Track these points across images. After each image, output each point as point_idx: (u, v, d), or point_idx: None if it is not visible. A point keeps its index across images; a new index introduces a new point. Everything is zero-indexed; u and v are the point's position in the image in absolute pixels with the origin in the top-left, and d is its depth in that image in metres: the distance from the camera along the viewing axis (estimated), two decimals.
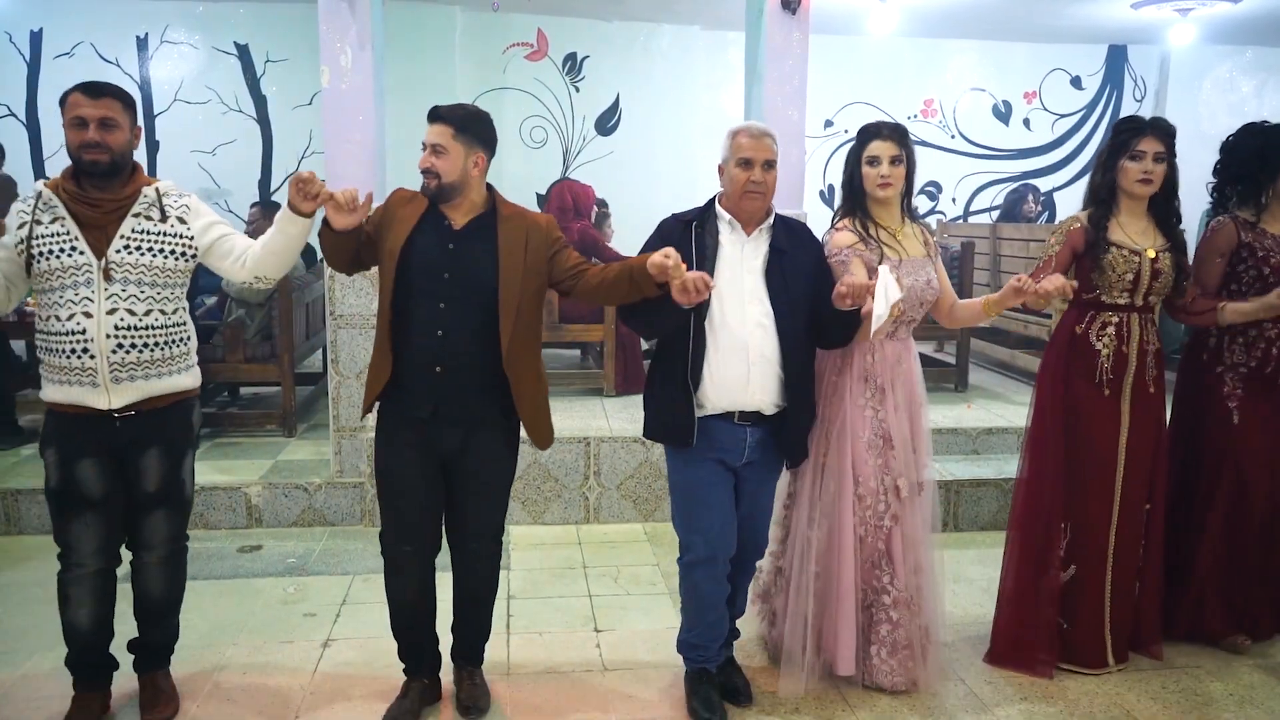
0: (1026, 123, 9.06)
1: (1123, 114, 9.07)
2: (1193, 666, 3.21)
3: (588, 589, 3.78)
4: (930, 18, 7.85)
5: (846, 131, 8.68)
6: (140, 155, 8.02)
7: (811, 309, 2.73)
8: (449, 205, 2.65)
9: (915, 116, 8.79)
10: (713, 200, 2.79)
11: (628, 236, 5.14)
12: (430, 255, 2.62)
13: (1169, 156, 2.97)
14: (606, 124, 8.30)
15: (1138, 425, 3.06)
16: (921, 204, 8.65)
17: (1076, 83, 9.08)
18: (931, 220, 8.44)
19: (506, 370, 2.65)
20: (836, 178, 8.24)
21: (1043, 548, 3.12)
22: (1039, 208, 7.91)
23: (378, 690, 3.01)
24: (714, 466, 2.76)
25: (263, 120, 7.81)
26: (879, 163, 2.86)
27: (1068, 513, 3.11)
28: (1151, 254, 2.98)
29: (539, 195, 7.86)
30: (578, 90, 8.22)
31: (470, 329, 2.62)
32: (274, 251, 2.70)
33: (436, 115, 2.62)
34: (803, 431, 2.84)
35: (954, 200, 8.94)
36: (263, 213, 6.68)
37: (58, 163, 7.44)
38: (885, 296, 2.53)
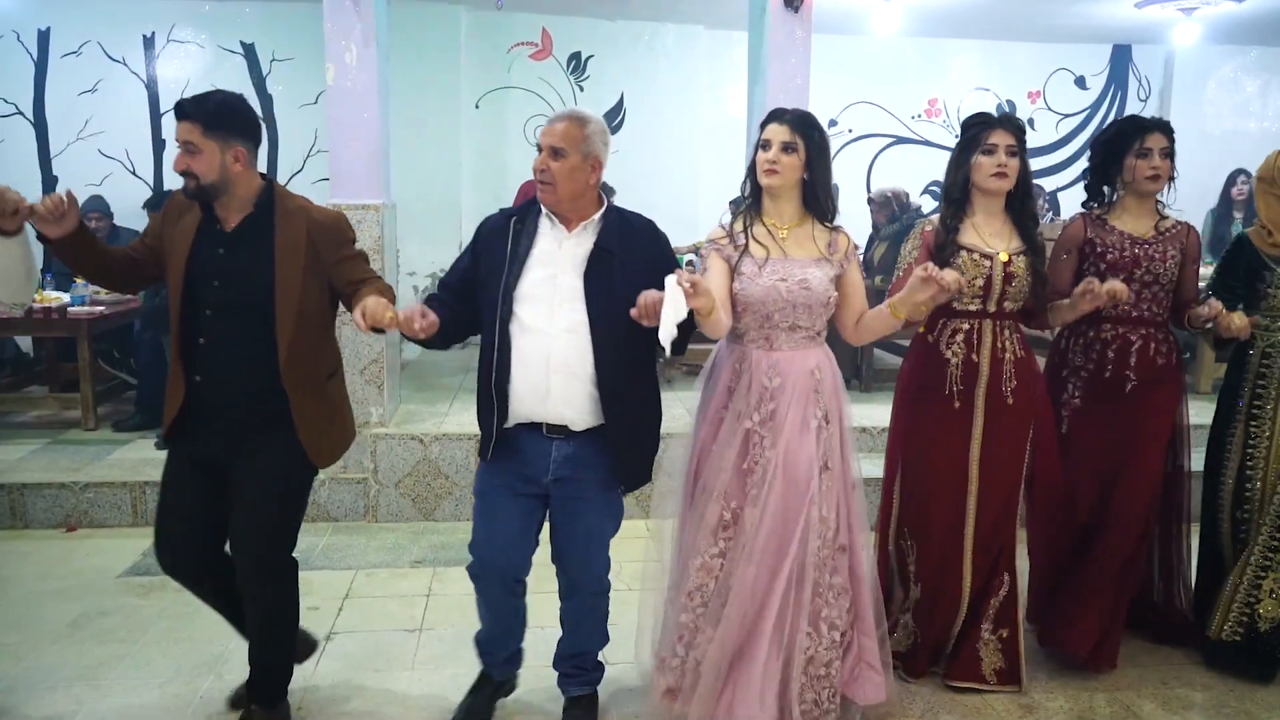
0: (1031, 122, 9.03)
1: (1127, 114, 9.19)
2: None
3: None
4: (934, 17, 7.85)
5: (850, 131, 8.69)
6: (147, 154, 8.04)
7: None
8: (218, 205, 2.46)
9: (919, 116, 8.79)
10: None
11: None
12: (200, 262, 2.44)
13: (1021, 151, 2.82)
14: (610, 123, 8.31)
15: (992, 439, 2.87)
16: (925, 204, 8.65)
17: (1081, 83, 9.07)
18: (935, 220, 8.44)
19: (285, 383, 2.45)
20: (840, 177, 8.28)
21: (897, 564, 3.02)
22: (1045, 206, 7.91)
23: (379, 682, 3.04)
24: (510, 480, 2.54)
25: (268, 119, 7.82)
26: (769, 147, 2.57)
27: (913, 529, 2.97)
28: (1004, 257, 2.82)
29: None
30: (582, 89, 8.23)
31: (237, 338, 2.45)
32: None
33: (182, 111, 2.39)
34: (628, 451, 2.53)
35: None
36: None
37: (63, 162, 7.48)
38: (673, 310, 2.23)
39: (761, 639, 2.56)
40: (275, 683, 2.70)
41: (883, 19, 7.53)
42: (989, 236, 2.86)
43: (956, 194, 2.88)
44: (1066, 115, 9.09)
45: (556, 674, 2.83)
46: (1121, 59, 9.07)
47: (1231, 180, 7.06)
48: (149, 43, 7.61)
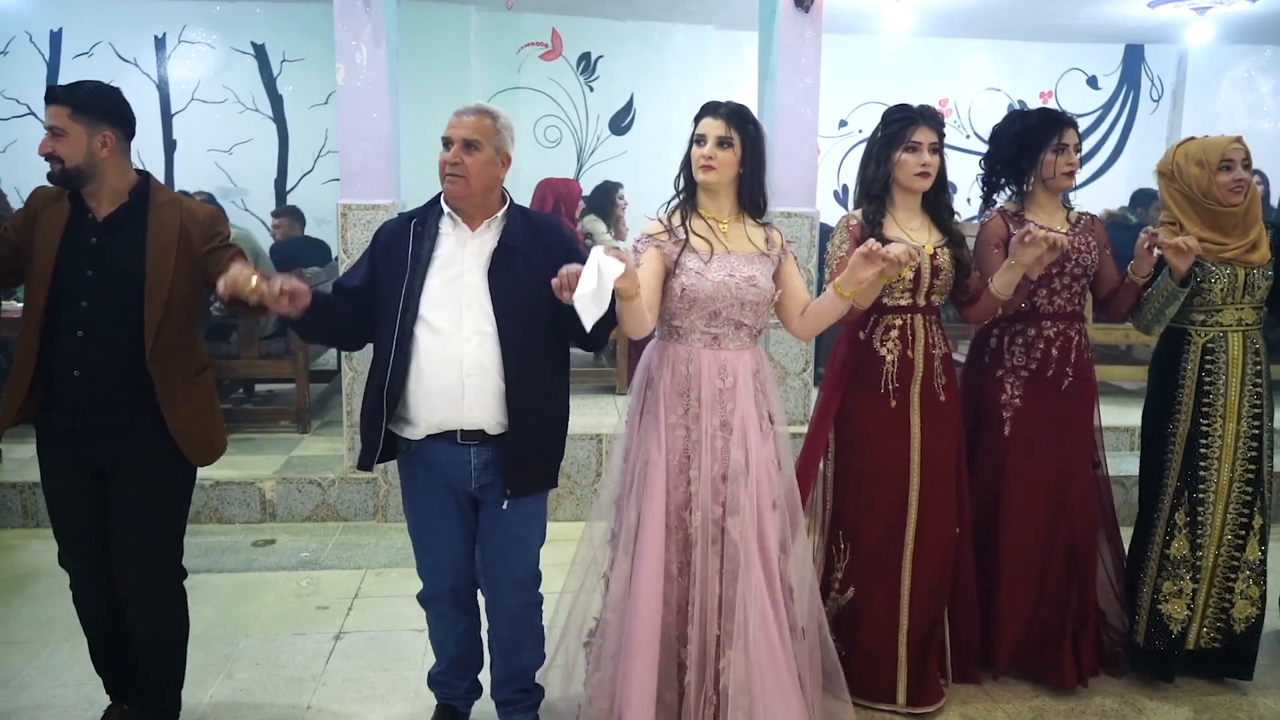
0: None
1: (1139, 115, 9.17)
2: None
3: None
4: (945, 17, 7.82)
5: (861, 131, 8.66)
6: (158, 154, 8.08)
7: (551, 314, 2.35)
8: (88, 194, 2.41)
9: None
10: (439, 194, 2.46)
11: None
12: (71, 251, 2.39)
13: (941, 147, 2.77)
14: (620, 123, 8.32)
15: (931, 437, 2.82)
16: None
17: (1093, 83, 9.03)
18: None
19: (150, 370, 2.39)
20: (851, 177, 8.23)
21: (820, 570, 2.89)
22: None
23: (388, 682, 3.04)
24: (437, 496, 2.46)
25: (279, 119, 7.86)
26: (704, 142, 2.48)
27: (847, 532, 2.87)
28: (930, 250, 2.77)
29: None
30: (592, 90, 8.23)
31: (114, 328, 2.39)
32: None
33: (52, 96, 2.38)
34: (530, 455, 2.44)
35: (969, 201, 8.87)
36: (290, 222, 6.72)
37: None
38: (594, 278, 2.12)
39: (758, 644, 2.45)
40: (166, 695, 2.65)
41: (894, 19, 7.50)
42: (911, 230, 2.81)
43: (877, 189, 2.82)
44: (1078, 116, 8.98)
45: (495, 705, 2.69)
46: (1134, 59, 9.03)
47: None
48: (160, 43, 7.65)
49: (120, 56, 7.60)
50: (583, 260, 2.26)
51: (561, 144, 8.23)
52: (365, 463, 2.47)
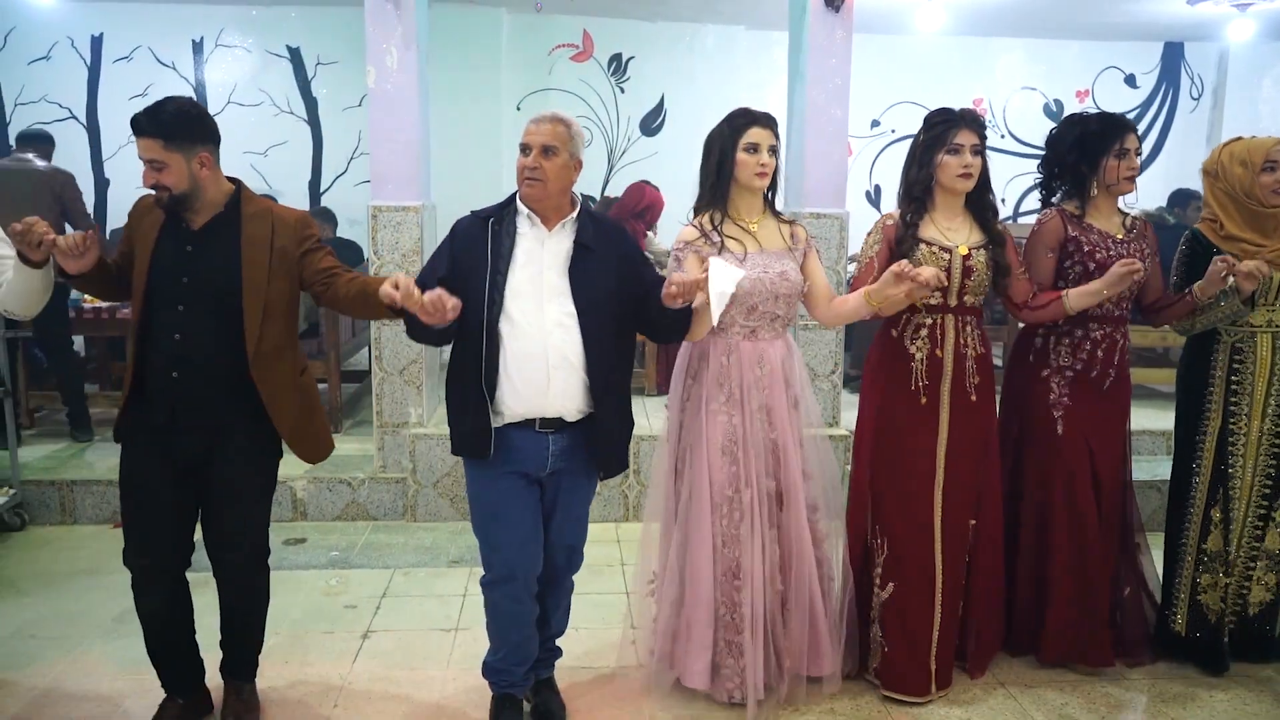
0: None
1: (1179, 114, 9.01)
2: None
3: (625, 586, 3.78)
4: (979, 16, 7.74)
5: (894, 131, 8.60)
6: None
7: (622, 309, 2.57)
8: (188, 208, 2.51)
9: None
10: (513, 195, 2.60)
11: (669, 239, 5.15)
12: (168, 260, 2.50)
13: (983, 149, 2.82)
14: (651, 124, 8.31)
15: (958, 435, 2.88)
16: None
17: (1131, 81, 8.89)
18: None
19: (254, 376, 2.51)
20: (883, 177, 8.25)
21: (861, 566, 2.99)
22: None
23: (414, 681, 3.06)
24: (513, 480, 2.58)
25: (313, 122, 7.94)
26: (758, 150, 2.71)
27: (882, 528, 2.94)
28: (964, 250, 2.82)
29: (584, 195, 7.90)
30: (623, 91, 8.24)
31: (210, 332, 2.50)
32: (14, 293, 2.59)
33: (139, 128, 2.43)
34: (614, 439, 2.63)
35: (1003, 201, 8.78)
36: (320, 224, 6.79)
37: (116, 165, 7.65)
38: (723, 282, 2.47)
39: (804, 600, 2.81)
40: (251, 659, 2.85)
41: (926, 17, 7.44)
42: (948, 231, 2.87)
43: (919, 191, 2.87)
44: None
45: None
46: (1173, 56, 8.87)
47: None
48: (198, 47, 7.76)
49: (159, 60, 7.72)
50: (643, 258, 2.71)
51: (592, 145, 8.24)
52: (480, 451, 2.54)
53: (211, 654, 2.82)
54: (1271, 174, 2.93)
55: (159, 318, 2.51)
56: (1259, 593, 3.14)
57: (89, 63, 7.67)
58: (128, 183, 7.47)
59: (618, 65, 8.21)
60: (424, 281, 2.59)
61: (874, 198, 8.59)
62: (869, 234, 2.97)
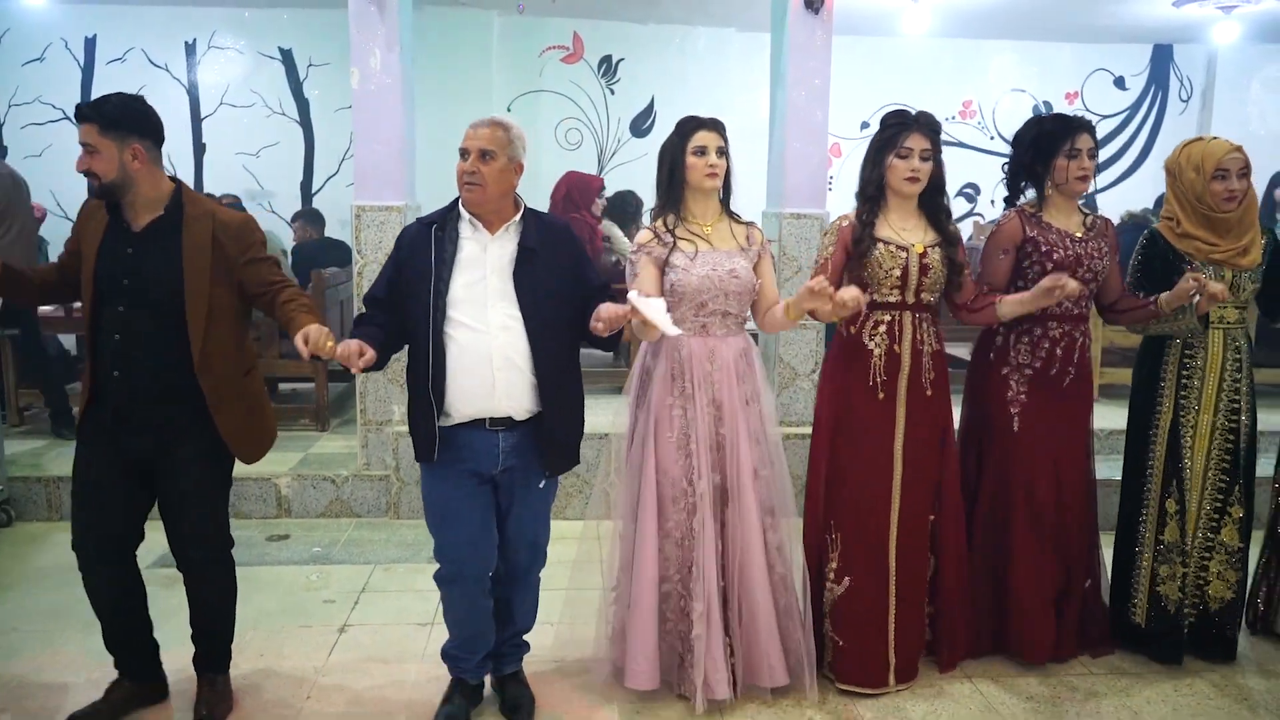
0: None
1: (1168, 116, 9.04)
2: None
3: (602, 582, 3.80)
4: (967, 18, 7.78)
5: None
6: (188, 157, 8.25)
7: (569, 310, 2.60)
8: (125, 204, 2.55)
9: (953, 118, 8.70)
10: (456, 200, 2.62)
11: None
12: (110, 261, 2.54)
13: (935, 154, 2.85)
14: (641, 126, 8.36)
15: (914, 430, 2.93)
16: (960, 206, 8.56)
17: (1120, 83, 8.93)
18: (968, 223, 8.35)
19: (199, 378, 2.54)
20: None
21: (818, 560, 3.01)
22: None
23: (388, 674, 3.09)
24: (463, 480, 2.62)
25: (305, 123, 7.99)
26: (705, 153, 2.78)
27: (838, 522, 2.97)
28: (919, 249, 2.87)
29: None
30: (613, 92, 8.29)
31: (151, 333, 2.53)
32: None
33: (81, 114, 2.49)
34: (562, 438, 2.67)
35: (992, 203, 8.82)
36: (305, 226, 6.85)
37: None
38: (653, 312, 2.45)
39: (748, 593, 2.82)
40: (222, 651, 2.89)
41: (912, 20, 7.48)
42: (903, 230, 2.91)
43: (872, 190, 2.91)
44: (1105, 116, 8.95)
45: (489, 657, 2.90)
46: (1162, 59, 8.91)
47: (1275, 182, 6.88)
48: (190, 49, 7.82)
49: (152, 62, 7.78)
50: (587, 260, 2.76)
51: (582, 146, 8.30)
52: (426, 454, 2.61)
53: (186, 648, 2.86)
54: (1223, 182, 2.95)
55: (103, 318, 2.55)
56: (1219, 588, 3.17)
57: (82, 64, 7.73)
58: None
59: (608, 67, 8.26)
60: (375, 292, 2.68)
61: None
62: (824, 234, 3.02)
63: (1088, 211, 3.14)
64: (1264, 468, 3.41)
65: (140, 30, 7.68)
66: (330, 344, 2.38)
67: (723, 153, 2.80)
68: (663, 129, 8.15)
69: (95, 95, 7.53)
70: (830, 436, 2.98)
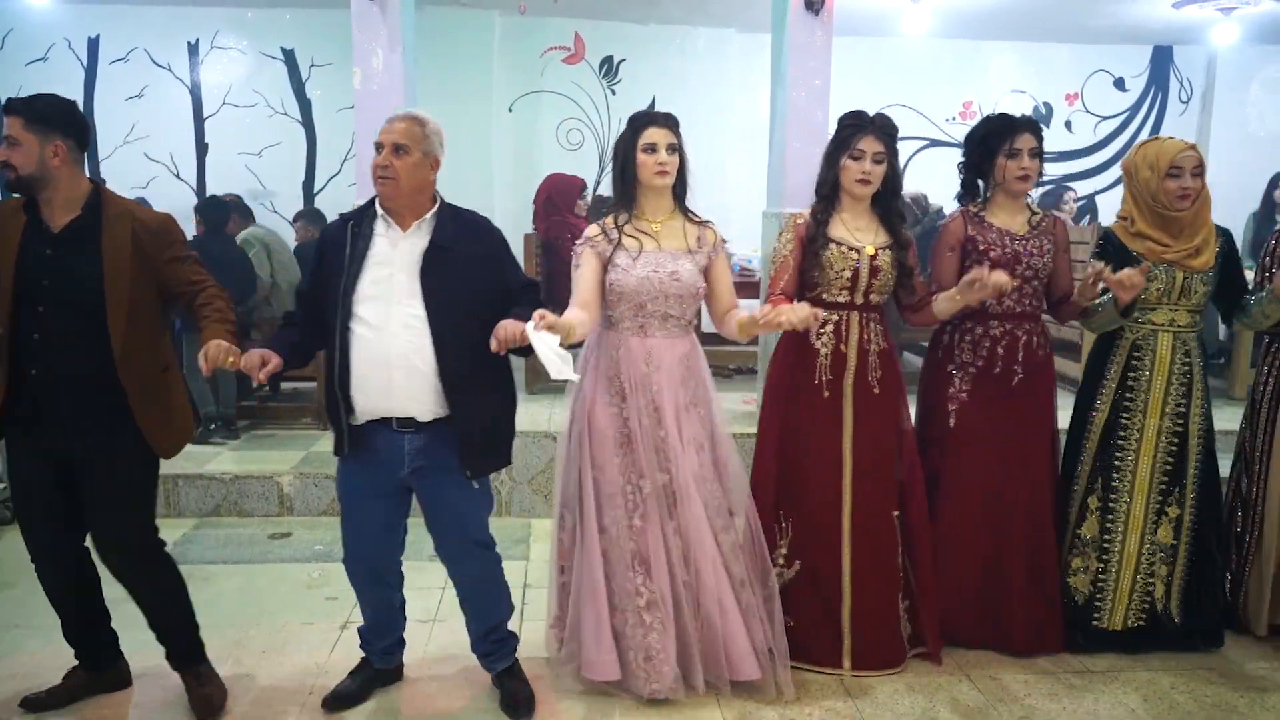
0: (1068, 125, 8.93)
1: (1168, 117, 9.05)
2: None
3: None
4: (967, 18, 7.79)
5: None
6: (190, 157, 8.25)
7: (485, 309, 2.52)
8: (43, 203, 2.57)
9: (954, 119, 8.70)
10: (374, 197, 2.62)
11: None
12: (29, 262, 2.54)
13: (889, 157, 2.88)
14: None
15: (863, 427, 2.97)
16: (953, 207, 8.58)
17: (1120, 84, 8.94)
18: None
19: (121, 378, 2.55)
20: None
21: (769, 549, 3.03)
22: (1075, 207, 7.80)
23: None
24: (367, 478, 2.65)
25: (307, 123, 8.00)
26: (655, 150, 2.77)
27: (788, 510, 3.02)
28: (871, 251, 2.91)
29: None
30: (614, 93, 8.30)
31: (69, 333, 2.54)
32: None
33: (9, 108, 2.54)
34: (477, 439, 2.63)
35: None
36: (306, 225, 6.86)
37: (111, 165, 7.74)
38: (545, 347, 2.37)
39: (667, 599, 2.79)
40: (189, 645, 2.88)
41: (912, 20, 7.49)
42: (856, 231, 2.95)
43: (827, 190, 2.95)
44: (1105, 118, 8.96)
45: (477, 658, 2.92)
46: (1162, 60, 8.92)
47: (1274, 183, 6.90)
48: (193, 49, 7.83)
49: (155, 62, 7.78)
50: (510, 258, 2.67)
51: (584, 147, 8.31)
52: (339, 449, 2.68)
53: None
54: (1176, 180, 2.96)
55: (22, 317, 2.56)
56: (1158, 587, 3.18)
57: (85, 64, 7.74)
58: (125, 184, 7.53)
59: (609, 67, 8.27)
60: (301, 287, 2.75)
61: None
62: (781, 233, 3.03)
63: (1037, 210, 3.16)
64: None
65: (143, 30, 7.69)
66: (231, 359, 2.44)
67: (674, 149, 2.78)
68: None
69: (99, 95, 7.66)
70: (779, 432, 3.02)
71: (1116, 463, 3.12)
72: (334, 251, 2.60)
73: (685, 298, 2.81)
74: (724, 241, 2.97)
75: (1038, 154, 3.04)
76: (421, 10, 5.39)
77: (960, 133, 8.64)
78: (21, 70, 7.57)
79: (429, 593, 3.73)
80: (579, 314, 2.72)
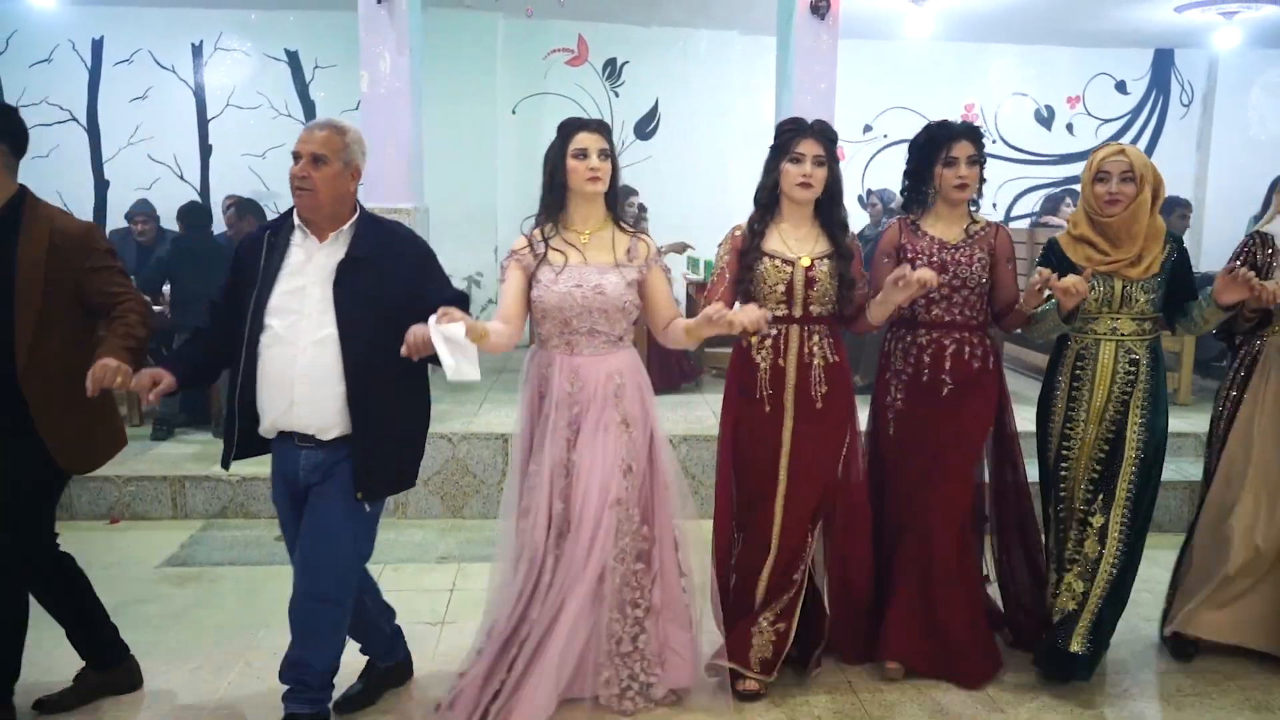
0: (1070, 128, 8.96)
1: (1169, 120, 9.09)
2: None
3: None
4: (969, 22, 7.82)
5: (885, 136, 8.69)
6: (194, 158, 8.26)
7: (404, 323, 2.34)
8: None
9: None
10: (293, 207, 2.53)
11: (663, 240, 5.22)
12: None
13: (829, 161, 2.82)
14: (645, 128, 8.39)
15: (803, 443, 2.90)
16: None
17: (1121, 87, 8.97)
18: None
19: (22, 385, 2.47)
20: (875, 182, 8.30)
21: (727, 558, 3.04)
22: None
23: None
24: (280, 489, 2.62)
25: None
26: (586, 155, 2.66)
27: (739, 524, 3.01)
28: (806, 262, 2.83)
29: None
30: (617, 95, 8.32)
31: None
32: None
33: None
34: (378, 459, 2.51)
35: (994, 206, 8.87)
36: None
37: (115, 166, 7.75)
38: (446, 346, 2.24)
39: (562, 628, 2.66)
40: (98, 646, 2.86)
41: (915, 23, 7.52)
42: (794, 242, 2.87)
43: (765, 198, 2.90)
44: (1106, 120, 8.99)
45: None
46: (1164, 63, 8.95)
47: (1275, 186, 6.92)
48: (197, 51, 7.85)
49: (159, 64, 7.80)
50: (436, 270, 2.55)
51: None
52: (225, 462, 2.63)
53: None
54: (1103, 185, 2.90)
55: None
56: (1065, 600, 3.02)
57: (89, 65, 7.76)
58: (127, 184, 7.57)
59: (612, 70, 8.29)
60: (214, 297, 2.67)
61: (865, 202, 8.65)
62: (720, 244, 2.98)
63: (979, 219, 3.08)
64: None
65: (147, 32, 7.72)
66: (120, 379, 2.37)
67: (606, 155, 2.67)
68: (666, 132, 8.34)
69: (103, 97, 7.67)
70: (731, 446, 3.00)
71: (1064, 472, 3.08)
72: (250, 261, 2.53)
73: (611, 312, 2.69)
74: (659, 252, 2.85)
75: (977, 161, 2.97)
76: (425, 13, 5.42)
77: None
78: (26, 72, 7.60)
79: (437, 595, 3.74)
80: (497, 325, 2.62)
